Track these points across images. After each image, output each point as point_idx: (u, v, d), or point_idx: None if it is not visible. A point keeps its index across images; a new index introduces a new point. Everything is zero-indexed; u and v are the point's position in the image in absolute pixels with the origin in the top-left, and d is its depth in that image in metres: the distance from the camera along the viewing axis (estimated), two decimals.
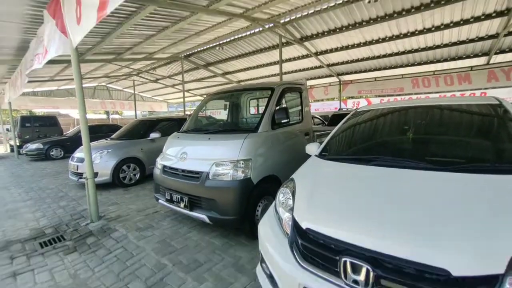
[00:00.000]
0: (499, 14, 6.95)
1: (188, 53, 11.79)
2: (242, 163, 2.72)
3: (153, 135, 5.55)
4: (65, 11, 3.42)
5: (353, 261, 1.21)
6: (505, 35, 7.69)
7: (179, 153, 3.13)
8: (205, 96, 4.27)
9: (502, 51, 9.07)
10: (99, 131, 9.62)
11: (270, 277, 1.65)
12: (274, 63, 11.59)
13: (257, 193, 2.82)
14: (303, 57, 10.93)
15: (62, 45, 3.75)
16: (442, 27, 7.86)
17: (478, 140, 1.94)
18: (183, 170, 3.00)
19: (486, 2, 6.60)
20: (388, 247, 1.17)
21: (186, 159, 3.02)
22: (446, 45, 9.07)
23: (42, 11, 4.59)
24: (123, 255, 2.67)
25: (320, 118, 10.74)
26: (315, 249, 1.39)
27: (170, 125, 6.21)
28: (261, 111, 3.61)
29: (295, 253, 1.47)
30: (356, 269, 1.21)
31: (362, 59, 10.85)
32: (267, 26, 8.17)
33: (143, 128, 6.09)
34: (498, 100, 2.15)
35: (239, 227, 2.82)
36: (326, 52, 10.39)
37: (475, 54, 9.58)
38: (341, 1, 7.03)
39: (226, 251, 2.70)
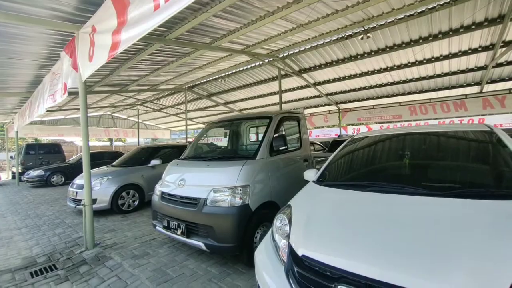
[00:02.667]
0: (485, 48, 7.38)
1: (191, 85, 12.33)
2: (240, 190, 2.75)
3: (154, 162, 5.62)
4: (78, 50, 3.73)
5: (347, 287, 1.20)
6: (494, 67, 8.07)
7: (178, 180, 3.17)
8: (206, 124, 4.43)
9: (493, 81, 9.44)
10: (100, 157, 9.73)
11: None
12: (274, 93, 12.04)
13: (255, 219, 2.80)
14: (302, 87, 11.39)
15: (73, 79, 4.02)
16: (432, 59, 8.29)
17: (472, 165, 1.98)
18: (181, 197, 3.02)
19: (471, 39, 7.05)
20: (383, 275, 1.17)
21: (185, 186, 3.05)
22: (439, 76, 9.47)
23: (58, 50, 4.98)
24: (116, 284, 2.59)
25: (321, 144, 10.85)
26: (311, 277, 1.38)
27: (171, 152, 6.32)
28: (260, 138, 3.72)
29: (291, 282, 1.46)
30: None
31: (359, 89, 11.26)
32: (266, 60, 8.66)
33: (145, 155, 6.19)
34: (490, 127, 2.23)
35: (237, 254, 2.76)
36: (324, 83, 10.84)
37: (468, 83, 9.95)
38: (336, 38, 7.53)
39: (223, 279, 2.61)
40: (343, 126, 14.36)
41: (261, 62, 8.94)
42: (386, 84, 10.53)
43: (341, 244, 1.42)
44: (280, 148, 3.19)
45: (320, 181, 2.33)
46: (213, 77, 11.07)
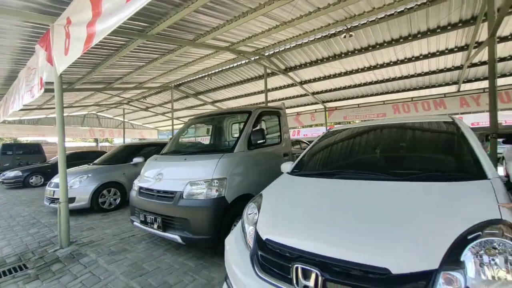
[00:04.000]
0: (460, 49, 7.68)
1: (178, 83, 12.21)
2: (217, 182, 2.75)
3: (136, 159, 5.53)
4: (54, 43, 3.63)
5: (304, 267, 1.23)
6: (469, 67, 8.39)
7: (156, 174, 3.15)
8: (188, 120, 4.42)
9: (469, 81, 9.82)
10: (85, 157, 9.46)
11: None
12: (261, 91, 12.07)
13: (232, 212, 2.81)
14: (288, 86, 11.48)
15: (48, 72, 3.90)
16: (413, 59, 8.54)
17: (432, 152, 2.08)
18: (158, 191, 3.00)
19: (447, 39, 7.32)
20: (335, 252, 1.22)
21: (162, 180, 3.03)
22: (419, 75, 9.77)
23: (33, 43, 4.83)
24: (89, 280, 2.54)
25: (307, 143, 10.98)
26: (272, 259, 1.41)
27: (155, 150, 6.23)
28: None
29: (254, 265, 1.48)
30: (307, 275, 1.23)
31: (345, 87, 11.46)
32: (252, 58, 8.69)
33: (127, 153, 6.08)
34: (452, 118, 2.34)
35: (212, 246, 2.76)
36: (310, 81, 10.97)
37: (446, 83, 10.31)
38: (320, 36, 7.64)
39: (199, 272, 2.61)
40: (330, 124, 14.58)
41: (247, 60, 8.95)
42: (370, 83, 10.77)
43: (301, 226, 1.46)
44: (258, 142, 3.22)
45: (294, 172, 2.37)
46: (200, 75, 11.00)
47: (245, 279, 1.45)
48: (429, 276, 1.05)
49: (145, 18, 5.44)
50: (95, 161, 6.27)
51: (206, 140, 4.80)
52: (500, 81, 9.70)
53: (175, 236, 2.72)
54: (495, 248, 1.08)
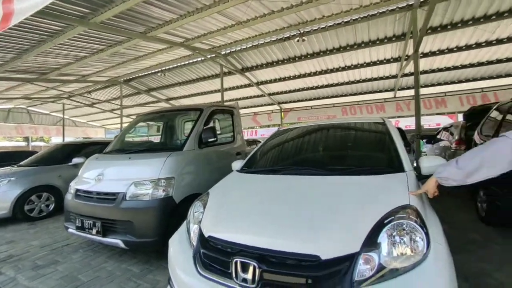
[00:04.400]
0: (395, 60, 8.72)
1: (128, 78, 11.36)
2: (164, 182, 2.64)
3: (77, 160, 4.97)
4: None
5: (243, 260, 1.26)
6: (402, 76, 9.57)
7: (96, 175, 2.88)
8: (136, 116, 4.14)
9: (403, 88, 11.21)
10: (8, 158, 8.12)
11: None
12: (218, 90, 11.94)
13: (180, 212, 2.70)
14: (245, 86, 11.59)
15: None
16: (358, 66, 9.39)
17: (363, 150, 2.32)
18: (97, 193, 2.75)
19: (385, 51, 8.23)
20: (271, 243, 1.27)
21: (102, 181, 2.79)
22: (364, 81, 10.79)
23: None
24: None
25: None
26: (214, 256, 1.41)
27: (99, 150, 5.68)
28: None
29: (197, 264, 1.46)
30: (245, 268, 1.25)
31: (299, 90, 12.04)
32: (208, 56, 8.55)
33: (65, 152, 5.43)
34: (383, 119, 2.63)
35: (159, 249, 2.64)
36: (266, 82, 11.24)
37: (386, 89, 11.59)
38: (275, 39, 7.88)
39: (144, 277, 2.47)
40: (285, 125, 15.15)
41: (203, 58, 8.78)
42: (322, 87, 11.51)
43: (242, 222, 1.50)
44: (210, 140, 3.18)
45: (243, 169, 2.41)
46: (152, 71, 10.42)
47: (186, 279, 1.42)
48: (352, 258, 1.16)
49: (86, 4, 4.94)
50: (21, 163, 5.45)
51: (156, 139, 4.57)
52: (423, 91, 11.28)
53: (116, 241, 2.52)
54: (404, 229, 1.26)
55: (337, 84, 11.21)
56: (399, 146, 2.07)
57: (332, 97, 12.78)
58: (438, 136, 8.67)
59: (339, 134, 2.65)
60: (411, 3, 5.91)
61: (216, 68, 9.79)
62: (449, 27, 6.71)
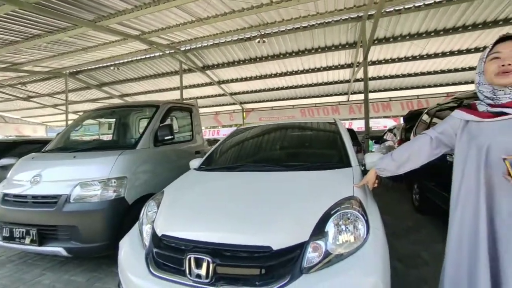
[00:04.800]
0: (348, 66, 9.45)
1: (75, 70, 10.27)
2: (114, 182, 2.46)
3: (6, 161, 4.31)
4: None
5: (196, 256, 1.25)
6: (354, 81, 10.42)
7: (31, 177, 2.54)
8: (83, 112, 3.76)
9: (355, 92, 12.20)
10: None
11: None
12: (177, 88, 11.54)
13: (134, 214, 2.55)
14: (206, 84, 11.39)
15: None
16: (315, 70, 9.95)
17: (315, 147, 2.49)
18: (34, 196, 2.43)
19: (339, 57, 8.87)
20: (225, 238, 1.29)
21: (40, 183, 2.48)
22: (321, 84, 11.45)
23: None
24: None
25: None
26: (168, 254, 1.37)
27: (35, 149, 5.03)
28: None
29: (149, 264, 1.40)
30: (199, 264, 1.25)
31: (260, 90, 12.26)
32: (167, 52, 8.20)
33: None
34: (334, 119, 2.84)
35: (110, 254, 2.45)
36: (228, 81, 11.20)
37: (340, 93, 12.48)
38: (236, 38, 7.91)
39: (91, 286, 2.27)
40: (247, 125, 15.27)
41: (161, 53, 8.38)
42: (282, 88, 11.90)
43: (196, 219, 1.49)
44: (166, 138, 3.05)
45: (201, 167, 2.37)
46: (105, 64, 9.59)
47: (138, 280, 1.36)
48: (301, 247, 1.24)
49: None
50: None
51: (108, 138, 4.23)
52: (372, 95, 12.43)
53: (57, 249, 2.27)
54: (348, 218, 1.38)
55: (296, 87, 11.70)
56: (347, 144, 2.26)
57: (291, 98, 13.30)
58: (385, 137, 9.67)
59: (294, 133, 2.79)
60: (361, 14, 6.47)
61: (175, 64, 9.44)
62: (391, 40, 7.53)
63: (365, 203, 1.52)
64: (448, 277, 1.27)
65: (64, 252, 2.27)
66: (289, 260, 1.22)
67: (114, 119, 3.98)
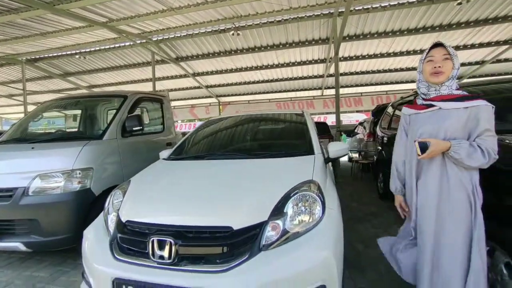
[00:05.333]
0: (321, 61, 9.74)
1: (33, 57, 9.47)
2: (79, 173, 2.38)
3: None
4: None
5: (159, 238, 1.29)
6: (327, 76, 10.77)
7: None
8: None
9: (329, 87, 12.61)
10: None
11: (88, 285, 1.49)
12: (150, 79, 11.15)
13: (101, 205, 2.50)
14: (181, 76, 11.12)
15: None
16: (290, 64, 10.11)
17: (282, 137, 2.61)
18: None
19: (313, 51, 9.10)
20: (188, 220, 1.35)
21: None
22: (296, 78, 11.68)
23: None
24: None
25: None
26: (131, 238, 1.40)
27: None
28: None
29: (113, 250, 1.42)
30: (162, 246, 1.29)
31: (236, 84, 12.22)
32: (138, 41, 7.87)
33: None
34: (303, 111, 2.96)
35: (76, 246, 2.39)
36: (203, 74, 11.02)
37: (314, 87, 12.82)
38: (210, 30, 7.78)
39: (56, 280, 2.20)
40: None
41: (131, 43, 8.01)
42: (258, 82, 11.97)
43: (160, 204, 1.54)
44: (134, 129, 2.99)
45: (170, 157, 2.38)
46: (68, 52, 8.95)
47: (101, 266, 1.37)
48: (261, 226, 1.33)
49: None
50: None
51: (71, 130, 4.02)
52: (345, 90, 12.95)
53: (14, 244, 2.16)
54: (307, 200, 1.49)
55: (271, 81, 11.83)
56: (312, 134, 2.39)
57: (267, 92, 13.43)
58: (356, 130, 10.16)
59: (263, 123, 2.88)
60: (332, 11, 6.68)
61: (147, 55, 9.08)
62: (361, 36, 7.88)
63: (323, 186, 1.64)
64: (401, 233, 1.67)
65: (22, 247, 2.18)
66: (248, 238, 1.30)
67: (79, 110, 3.79)
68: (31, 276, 2.30)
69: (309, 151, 2.16)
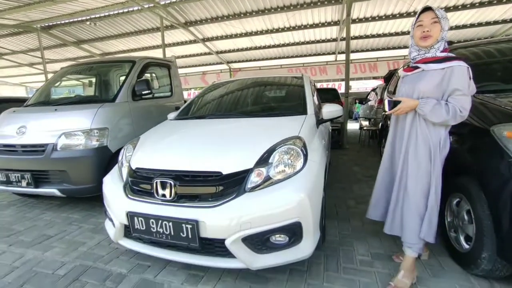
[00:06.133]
0: (335, 23, 9.20)
1: (47, 24, 9.63)
2: (97, 132, 2.69)
3: None
4: None
5: (162, 180, 1.57)
6: (341, 40, 10.24)
7: (17, 128, 2.74)
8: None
9: (342, 52, 12.02)
10: None
11: (110, 220, 1.84)
12: (160, 46, 11.10)
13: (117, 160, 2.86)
14: (190, 42, 10.98)
15: None
16: (302, 27, 9.65)
17: (279, 99, 2.75)
18: (23, 146, 2.67)
19: (325, 13, 8.58)
20: (185, 166, 1.61)
21: (26, 133, 2.69)
22: (308, 43, 11.20)
23: None
24: None
25: None
26: (140, 181, 1.70)
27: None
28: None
29: (126, 191, 1.73)
30: (164, 187, 1.57)
31: (246, 49, 11.93)
32: (146, 6, 7.75)
33: None
34: (302, 75, 3.04)
35: (98, 194, 2.80)
36: (212, 39, 10.80)
37: (328, 52, 12.29)
38: None
39: (87, 221, 2.65)
40: None
41: (139, 7, 7.91)
42: (269, 47, 11.60)
43: (164, 153, 1.81)
44: (144, 93, 3.21)
45: (176, 118, 2.62)
46: (79, 18, 9.00)
47: (118, 204, 1.69)
48: (247, 173, 1.56)
49: None
50: None
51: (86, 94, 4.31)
52: (359, 55, 12.32)
53: (52, 190, 2.59)
54: (290, 153, 1.68)
55: (283, 45, 11.43)
56: (308, 95, 2.51)
57: (279, 58, 13.05)
58: (368, 97, 9.92)
59: (264, 86, 3.00)
60: None
61: (156, 20, 8.96)
62: None
63: (308, 142, 1.82)
64: (377, 182, 1.92)
65: (58, 193, 2.60)
66: (236, 182, 1.54)
67: (92, 75, 4.04)
68: (67, 217, 2.77)
69: (302, 111, 2.30)
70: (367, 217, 1.94)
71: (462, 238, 1.74)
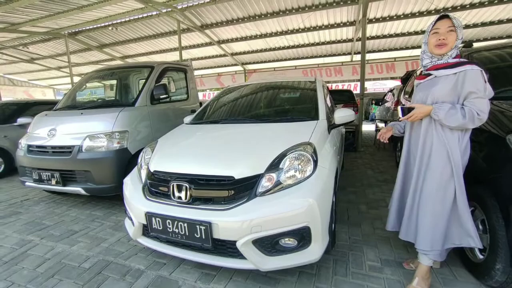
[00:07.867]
0: (351, 23, 9.06)
1: (73, 30, 10.19)
2: (118, 135, 2.86)
3: (22, 120, 4.77)
4: None
5: (178, 183, 1.66)
6: (357, 40, 10.06)
7: (48, 131, 2.97)
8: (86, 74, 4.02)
9: (358, 52, 11.80)
10: None
11: (130, 219, 1.97)
12: (177, 48, 11.41)
13: (136, 161, 3.01)
14: (206, 44, 11.19)
15: None
16: (317, 28, 9.58)
17: (291, 103, 2.78)
18: (52, 147, 2.89)
19: (340, 13, 8.47)
20: (200, 170, 1.69)
21: (55, 136, 2.91)
22: (323, 43, 11.10)
23: None
24: None
25: None
26: (158, 183, 1.80)
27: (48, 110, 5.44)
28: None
29: (145, 193, 1.84)
30: (180, 189, 1.66)
31: (261, 50, 11.99)
32: (164, 11, 8.01)
33: (8, 112, 5.13)
34: (315, 79, 3.06)
35: (120, 193, 2.97)
36: (228, 41, 10.96)
37: (343, 53, 12.10)
38: None
39: (108, 218, 2.82)
40: None
41: (157, 12, 8.19)
42: (283, 48, 11.60)
43: (180, 158, 1.91)
44: (162, 97, 3.36)
45: (191, 122, 2.73)
46: (102, 24, 9.46)
47: (137, 205, 1.80)
48: (258, 177, 1.62)
49: None
50: None
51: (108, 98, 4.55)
52: (376, 55, 12.03)
53: (77, 189, 2.78)
54: (301, 159, 1.73)
55: (298, 46, 11.39)
56: (320, 100, 2.53)
57: (294, 59, 13.00)
58: (385, 98, 9.67)
59: (276, 91, 3.04)
60: None
61: (174, 24, 9.24)
62: None
63: (319, 148, 1.86)
64: (395, 191, 1.87)
65: (82, 191, 2.79)
66: (247, 186, 1.61)
67: (114, 80, 4.26)
68: (90, 214, 2.96)
69: (314, 117, 2.33)
70: (387, 229, 1.89)
71: (476, 248, 1.71)
